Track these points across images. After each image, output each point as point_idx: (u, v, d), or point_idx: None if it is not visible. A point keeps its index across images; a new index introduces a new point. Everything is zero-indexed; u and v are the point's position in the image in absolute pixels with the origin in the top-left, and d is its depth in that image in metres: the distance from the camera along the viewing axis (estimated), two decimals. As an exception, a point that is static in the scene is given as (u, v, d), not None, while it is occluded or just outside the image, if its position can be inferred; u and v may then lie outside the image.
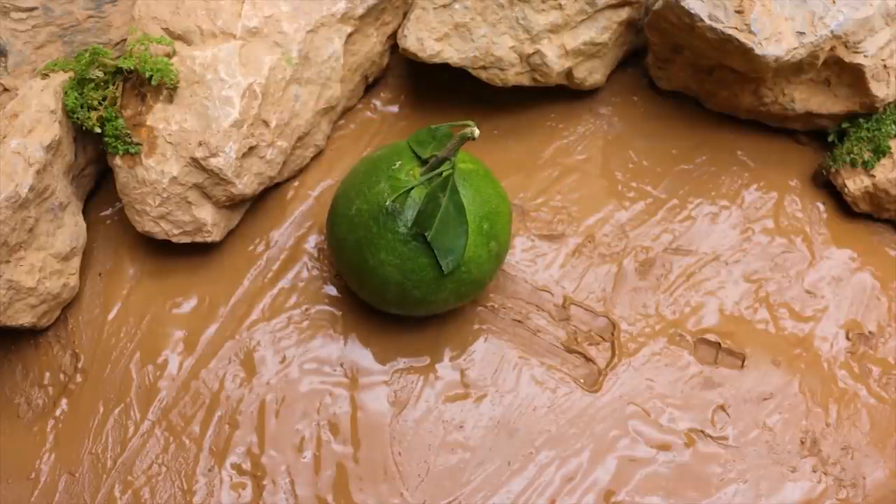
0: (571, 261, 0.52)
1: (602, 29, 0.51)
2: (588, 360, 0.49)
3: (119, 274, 0.52)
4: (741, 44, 0.46)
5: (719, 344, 0.49)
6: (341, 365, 0.49)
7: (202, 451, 0.47)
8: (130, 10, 0.52)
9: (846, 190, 0.51)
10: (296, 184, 0.54)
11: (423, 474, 0.46)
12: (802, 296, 0.51)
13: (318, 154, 0.55)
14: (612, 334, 0.50)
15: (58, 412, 0.48)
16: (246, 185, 0.48)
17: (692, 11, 0.46)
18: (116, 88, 0.47)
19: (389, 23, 0.55)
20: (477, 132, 0.39)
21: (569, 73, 0.53)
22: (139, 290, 0.51)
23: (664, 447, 0.47)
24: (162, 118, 0.47)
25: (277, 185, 0.54)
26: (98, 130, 0.47)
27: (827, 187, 0.54)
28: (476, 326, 0.50)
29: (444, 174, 0.42)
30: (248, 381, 0.49)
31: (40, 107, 0.46)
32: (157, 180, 0.47)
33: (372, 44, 0.55)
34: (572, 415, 0.48)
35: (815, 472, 0.46)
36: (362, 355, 0.49)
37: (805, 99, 0.51)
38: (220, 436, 0.47)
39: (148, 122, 0.47)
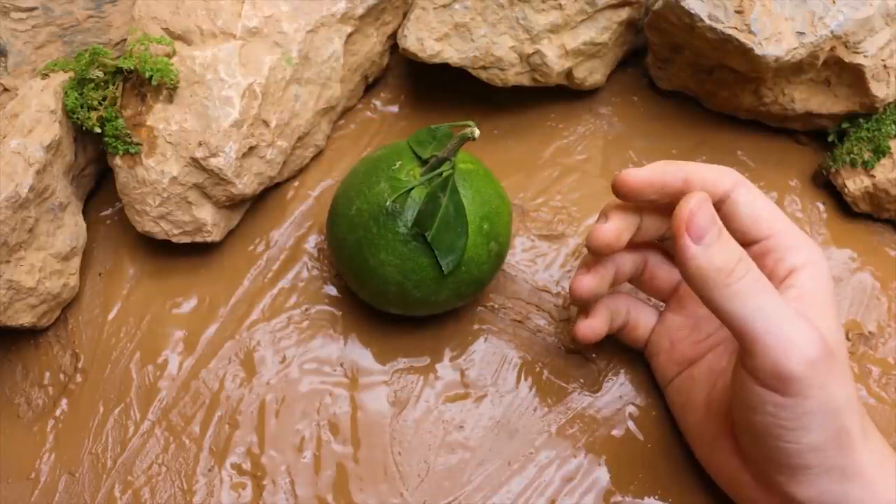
0: (571, 261, 0.52)
1: (602, 29, 0.51)
2: (588, 360, 0.49)
3: (119, 274, 0.52)
4: (741, 44, 0.46)
5: (719, 344, 0.49)
6: (341, 365, 0.49)
7: (202, 451, 0.47)
8: (130, 10, 0.52)
9: (846, 190, 0.51)
10: (296, 184, 0.54)
11: (423, 474, 0.46)
12: (802, 296, 0.51)
13: (318, 154, 0.55)
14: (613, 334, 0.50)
15: (58, 412, 0.48)
16: (246, 185, 0.48)
17: (692, 11, 0.46)
18: (116, 88, 0.47)
19: (389, 23, 0.55)
20: (477, 132, 0.39)
21: (569, 73, 0.53)
22: (139, 290, 0.51)
23: (664, 447, 0.47)
24: (162, 118, 0.47)
25: (277, 185, 0.54)
26: (98, 130, 0.47)
27: (827, 187, 0.54)
28: (476, 326, 0.50)
29: (444, 174, 0.42)
30: (248, 381, 0.49)
31: (40, 107, 0.46)
32: (157, 180, 0.47)
33: (372, 44, 0.55)
34: (572, 415, 0.48)
35: (814, 472, 0.46)
36: (362, 355, 0.49)
37: (805, 99, 0.51)
38: (220, 436, 0.47)
39: (148, 122, 0.47)
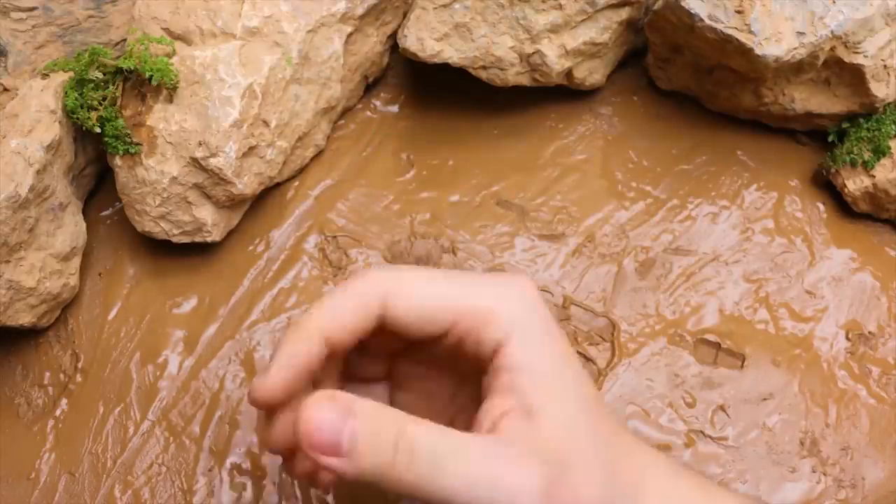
0: (571, 261, 0.52)
1: (602, 29, 0.51)
2: (588, 360, 0.49)
3: (119, 274, 0.52)
4: (741, 44, 0.45)
5: (719, 344, 0.49)
6: (341, 365, 0.49)
7: (202, 451, 0.47)
8: (130, 10, 0.52)
9: (846, 190, 0.51)
10: (296, 184, 0.54)
11: (423, 474, 0.46)
12: (802, 296, 0.51)
13: (319, 154, 0.55)
14: (612, 334, 0.50)
15: (58, 412, 0.48)
16: (246, 185, 0.48)
17: (692, 11, 0.46)
18: (116, 88, 0.47)
19: (389, 23, 0.55)
20: None
21: (569, 73, 0.53)
22: (139, 290, 0.51)
23: (664, 447, 0.47)
24: (162, 118, 0.47)
25: (277, 185, 0.54)
26: (98, 130, 0.47)
27: (827, 187, 0.54)
28: (476, 326, 0.50)
29: None
30: (249, 381, 0.49)
31: (40, 107, 0.46)
32: (157, 180, 0.47)
33: (372, 44, 0.55)
34: (572, 415, 0.48)
35: (814, 472, 0.46)
36: (362, 355, 0.49)
37: (805, 99, 0.51)
38: (220, 436, 0.47)
39: (148, 122, 0.47)
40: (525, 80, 0.52)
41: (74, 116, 0.47)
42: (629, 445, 0.33)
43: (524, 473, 0.28)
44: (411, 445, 0.28)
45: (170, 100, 0.47)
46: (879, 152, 0.50)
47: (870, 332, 0.49)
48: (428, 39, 0.50)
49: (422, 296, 0.31)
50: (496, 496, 0.28)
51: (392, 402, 0.37)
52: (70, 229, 0.49)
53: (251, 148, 0.48)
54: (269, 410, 0.32)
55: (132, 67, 0.46)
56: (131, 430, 0.48)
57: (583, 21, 0.51)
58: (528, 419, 0.30)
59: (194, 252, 0.52)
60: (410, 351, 0.35)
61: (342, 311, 0.31)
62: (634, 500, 0.31)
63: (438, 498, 0.28)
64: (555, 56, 0.51)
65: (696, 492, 0.33)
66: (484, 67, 0.51)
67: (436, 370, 0.35)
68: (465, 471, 0.28)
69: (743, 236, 0.52)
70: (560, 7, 0.49)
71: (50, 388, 0.49)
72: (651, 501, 0.32)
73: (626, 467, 0.32)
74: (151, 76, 0.45)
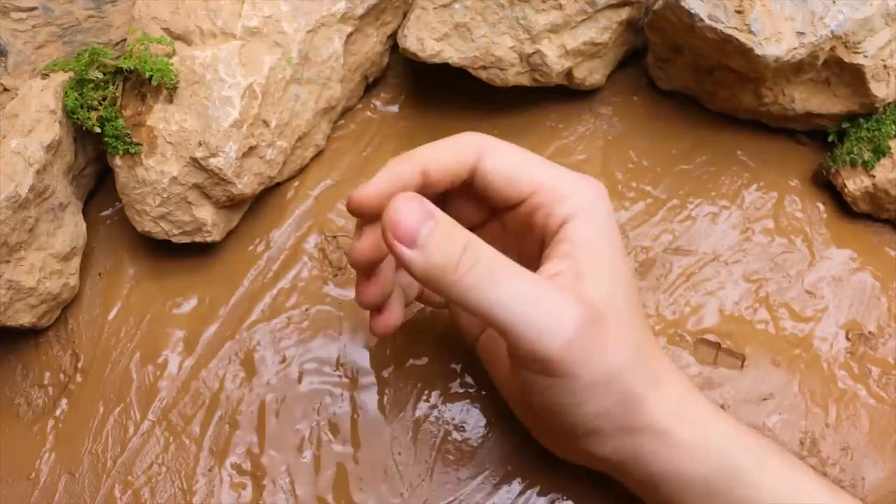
0: (571, 261, 0.52)
1: (602, 29, 0.51)
2: (588, 360, 0.49)
3: (119, 274, 0.52)
4: (741, 44, 0.46)
5: (719, 344, 0.49)
6: (341, 365, 0.49)
7: (202, 451, 0.47)
8: (130, 10, 0.52)
9: (846, 190, 0.51)
10: (296, 184, 0.54)
11: (424, 474, 0.46)
12: (802, 296, 0.51)
13: (319, 154, 0.55)
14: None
15: (58, 412, 0.48)
16: (246, 185, 0.48)
17: (692, 11, 0.46)
18: (116, 88, 0.47)
19: (389, 23, 0.55)
20: None
21: (569, 73, 0.53)
22: (139, 290, 0.51)
23: (664, 447, 0.47)
24: (162, 118, 0.47)
25: (277, 185, 0.54)
26: (98, 130, 0.47)
27: (827, 187, 0.54)
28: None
29: None
30: (248, 381, 0.49)
31: (40, 107, 0.46)
32: (157, 180, 0.47)
33: (372, 44, 0.55)
34: (572, 415, 0.48)
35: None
36: (362, 355, 0.49)
37: (805, 99, 0.51)
38: (220, 436, 0.47)
39: (148, 122, 0.47)
40: (525, 80, 0.52)
41: (74, 116, 0.47)
42: (657, 346, 0.37)
43: (566, 305, 0.32)
44: (477, 253, 0.31)
45: (170, 100, 0.47)
46: (879, 152, 0.50)
47: (870, 332, 0.49)
48: (428, 39, 0.50)
49: (511, 163, 0.36)
50: (536, 317, 0.31)
51: None
52: (70, 229, 0.49)
53: (251, 148, 0.48)
54: (360, 216, 0.37)
55: (132, 67, 0.46)
56: (131, 430, 0.48)
57: (583, 21, 0.51)
58: (577, 279, 0.34)
59: (194, 252, 0.52)
60: (484, 227, 0.40)
61: (442, 152, 0.36)
62: (653, 384, 0.34)
63: (485, 308, 0.31)
64: (555, 56, 0.51)
65: (705, 402, 0.37)
66: (484, 67, 0.51)
67: (503, 249, 0.38)
68: (516, 287, 0.31)
69: (743, 236, 0.52)
70: (560, 7, 0.49)
71: (50, 388, 0.49)
72: (668, 398, 0.35)
73: (652, 356, 0.35)
74: (151, 76, 0.45)
